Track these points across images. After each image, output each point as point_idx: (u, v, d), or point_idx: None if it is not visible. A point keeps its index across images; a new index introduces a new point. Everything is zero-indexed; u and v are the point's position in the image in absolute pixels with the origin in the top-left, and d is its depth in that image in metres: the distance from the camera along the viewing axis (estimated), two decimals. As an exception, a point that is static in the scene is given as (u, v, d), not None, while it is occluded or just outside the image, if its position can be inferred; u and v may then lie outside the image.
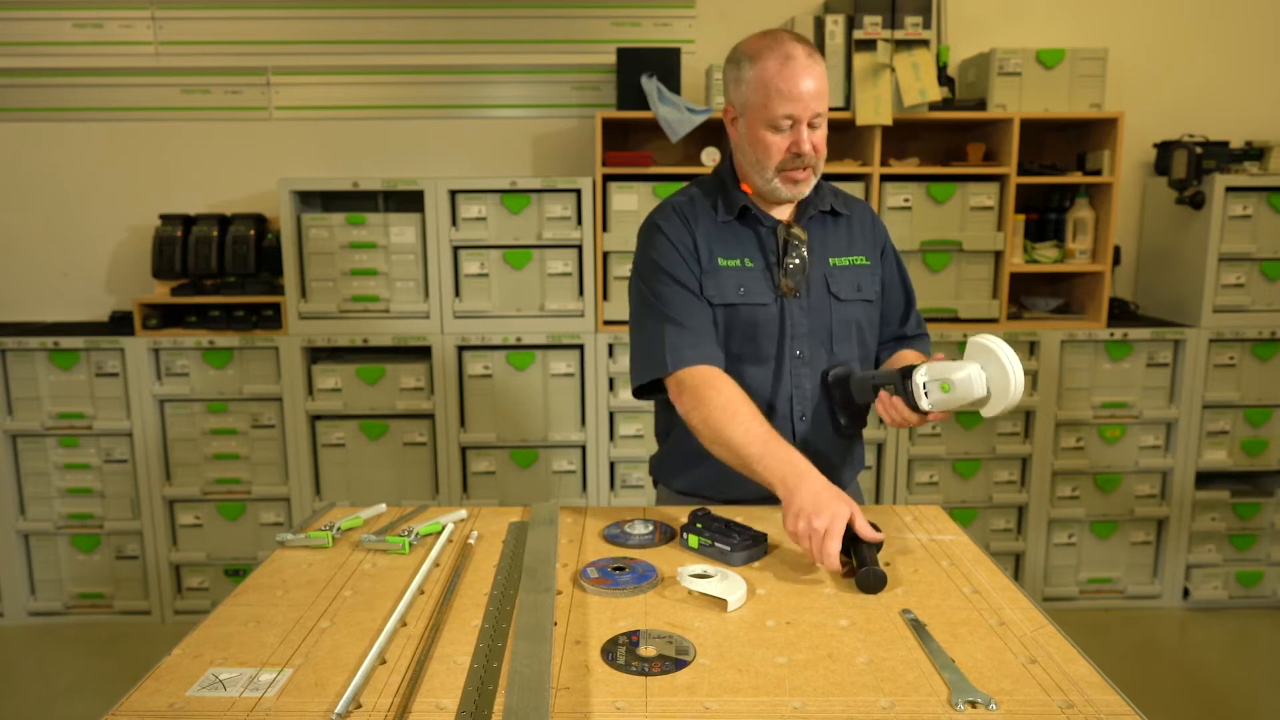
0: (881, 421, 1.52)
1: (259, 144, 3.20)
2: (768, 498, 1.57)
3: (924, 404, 1.37)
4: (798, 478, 1.32)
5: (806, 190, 1.52)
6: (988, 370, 1.33)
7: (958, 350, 2.99)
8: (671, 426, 1.65)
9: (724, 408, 1.41)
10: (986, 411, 1.35)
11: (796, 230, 1.53)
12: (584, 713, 0.92)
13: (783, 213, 1.56)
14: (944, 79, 2.99)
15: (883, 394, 1.44)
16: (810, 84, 1.42)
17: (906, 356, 1.61)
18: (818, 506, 1.26)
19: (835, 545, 1.23)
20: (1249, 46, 3.24)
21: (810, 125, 1.45)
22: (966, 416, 3.03)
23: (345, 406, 2.97)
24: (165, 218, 3.03)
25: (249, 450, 3.01)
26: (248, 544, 3.05)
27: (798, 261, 1.52)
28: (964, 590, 1.21)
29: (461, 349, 2.96)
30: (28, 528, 3.02)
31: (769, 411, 1.55)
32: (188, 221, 3.03)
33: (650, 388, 1.54)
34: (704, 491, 1.62)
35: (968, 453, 3.06)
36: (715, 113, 2.81)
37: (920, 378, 1.37)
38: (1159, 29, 3.22)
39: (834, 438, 1.60)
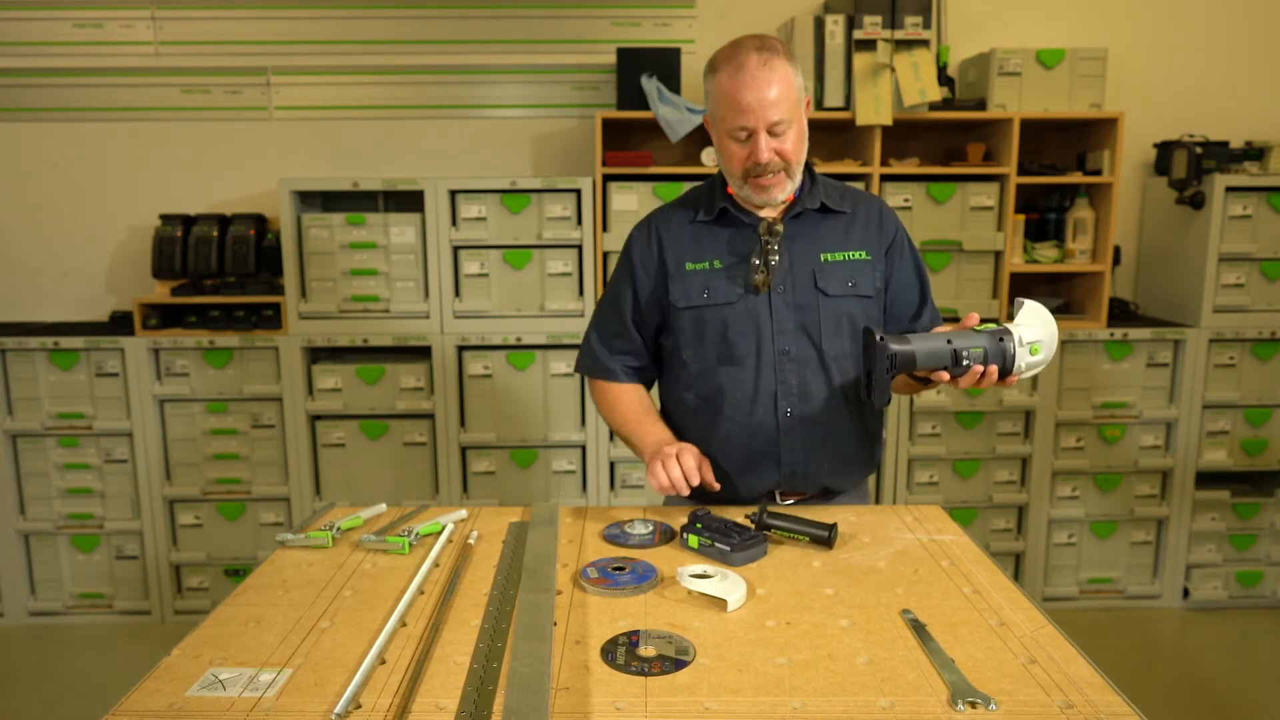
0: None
1: (259, 144, 3.20)
2: (762, 498, 1.58)
3: (1020, 367, 1.35)
4: (643, 439, 1.59)
5: (778, 195, 1.52)
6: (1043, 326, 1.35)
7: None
8: (668, 423, 1.67)
9: (613, 405, 1.68)
10: (1029, 374, 1.37)
11: (777, 227, 1.54)
12: (584, 713, 0.92)
13: (771, 210, 1.57)
14: (944, 79, 2.99)
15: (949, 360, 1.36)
16: (763, 94, 1.42)
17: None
18: (657, 447, 1.51)
19: (684, 462, 1.46)
20: (1249, 46, 3.24)
21: (771, 133, 1.45)
22: (967, 416, 3.03)
23: (345, 406, 2.97)
24: (165, 218, 3.03)
25: (249, 450, 3.01)
26: (248, 544, 3.05)
27: (775, 259, 1.53)
28: (964, 590, 1.21)
29: (461, 349, 2.96)
30: (28, 528, 3.02)
31: (751, 409, 1.55)
32: (188, 221, 3.03)
33: None
34: (698, 487, 1.63)
35: (968, 453, 3.06)
36: (715, 113, 2.82)
37: (1017, 338, 1.34)
38: (1159, 29, 3.22)
39: (827, 432, 1.58)
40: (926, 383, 1.48)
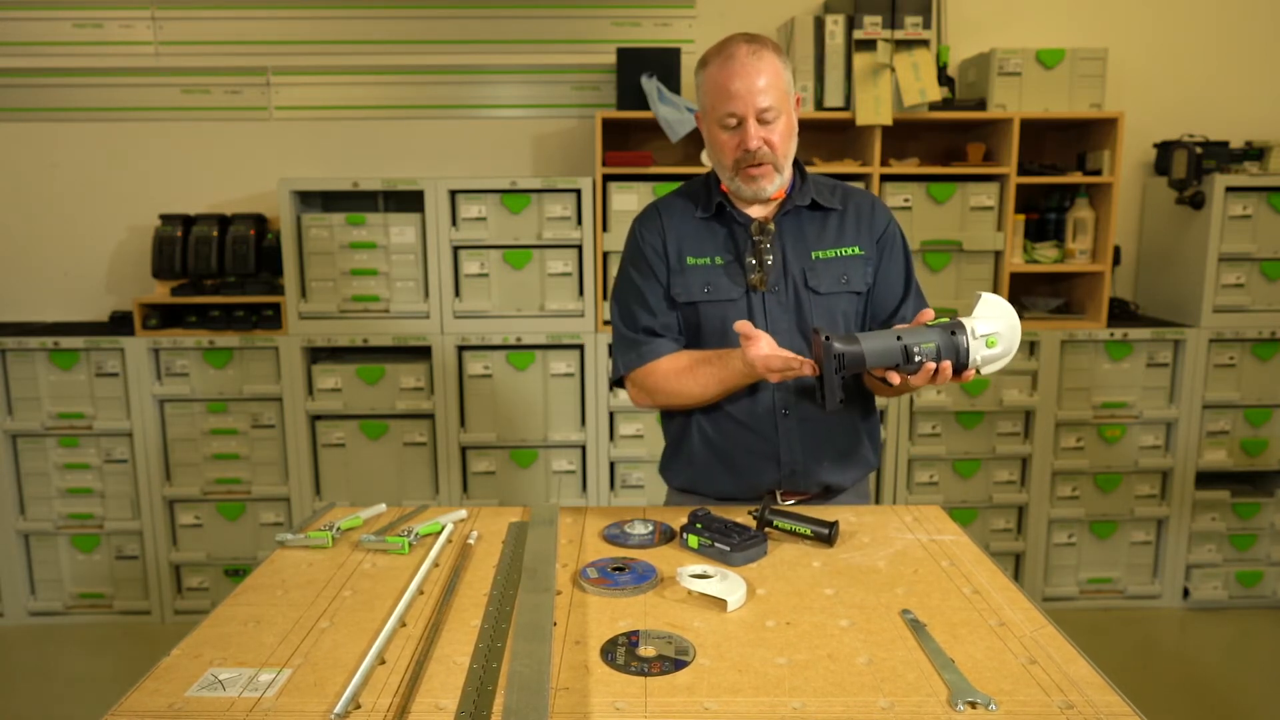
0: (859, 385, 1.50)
1: (259, 144, 3.20)
2: (764, 495, 1.58)
3: (976, 361, 1.31)
4: (740, 366, 1.43)
5: (768, 186, 1.51)
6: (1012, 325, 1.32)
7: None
8: (669, 421, 1.68)
9: (674, 374, 1.54)
10: (990, 366, 1.33)
11: (769, 225, 1.53)
12: (583, 713, 0.92)
13: (762, 209, 1.57)
14: (944, 79, 2.99)
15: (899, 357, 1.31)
16: (752, 81, 1.43)
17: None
18: (760, 358, 1.38)
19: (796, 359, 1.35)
20: (1249, 46, 3.24)
21: (761, 121, 1.46)
22: (967, 416, 3.03)
23: (345, 406, 2.97)
24: (165, 218, 3.03)
25: (249, 450, 3.01)
26: (248, 544, 3.05)
27: (770, 259, 1.52)
28: (964, 590, 1.21)
29: (461, 349, 2.96)
30: (28, 528, 3.02)
31: (750, 407, 1.56)
32: (188, 221, 3.03)
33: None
34: (699, 488, 1.63)
35: (968, 453, 3.06)
36: (715, 113, 2.82)
37: (970, 331, 1.30)
38: (1159, 29, 3.22)
39: (826, 430, 1.58)
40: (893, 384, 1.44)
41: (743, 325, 1.38)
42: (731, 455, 1.58)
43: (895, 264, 1.61)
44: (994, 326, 1.31)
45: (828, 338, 1.30)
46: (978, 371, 1.33)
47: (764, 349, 1.37)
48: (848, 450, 1.61)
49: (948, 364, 1.31)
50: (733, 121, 1.47)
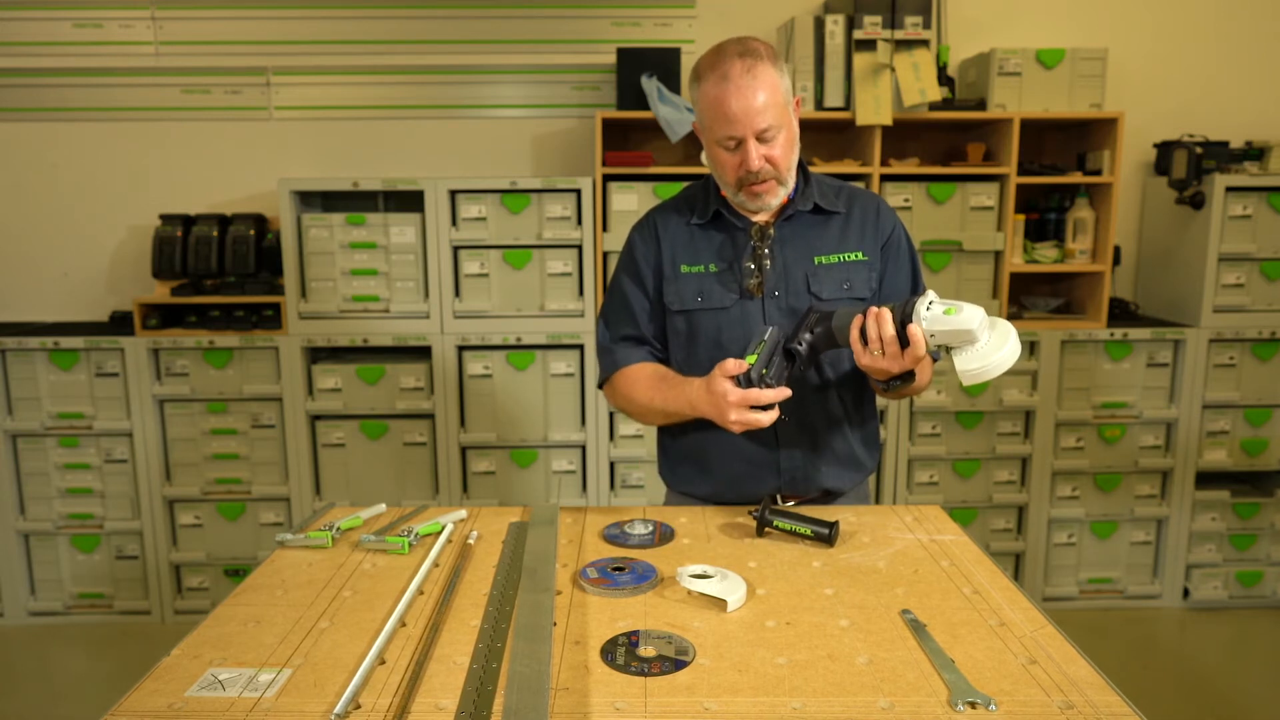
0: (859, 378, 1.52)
1: (259, 144, 3.20)
2: (764, 498, 1.57)
3: (923, 313, 1.29)
4: (692, 394, 1.45)
5: (772, 200, 1.50)
6: (994, 328, 1.30)
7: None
8: (667, 426, 1.67)
9: (632, 383, 1.57)
10: (966, 363, 1.30)
11: (769, 231, 1.52)
12: (583, 713, 0.92)
13: (764, 214, 1.55)
14: (944, 79, 2.99)
15: (862, 320, 1.34)
16: (749, 102, 1.39)
17: None
18: (711, 400, 1.38)
19: (752, 400, 1.34)
20: (1249, 46, 3.24)
21: (761, 140, 1.43)
22: (967, 416, 3.03)
23: (345, 406, 2.97)
24: (165, 218, 3.03)
25: (249, 450, 3.01)
26: (248, 544, 3.05)
27: (767, 263, 1.51)
28: (964, 590, 1.21)
29: (461, 349, 2.96)
30: (28, 528, 3.02)
31: None
32: (188, 221, 3.03)
33: None
34: (698, 492, 1.62)
35: (968, 453, 3.06)
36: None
37: (927, 297, 1.31)
38: (1159, 29, 3.22)
39: (826, 437, 1.57)
40: (889, 386, 1.42)
41: (728, 363, 1.36)
42: (732, 464, 1.57)
43: (901, 270, 1.59)
44: (963, 306, 1.29)
45: (808, 313, 1.41)
46: (934, 344, 1.31)
47: (748, 422, 1.35)
48: (847, 457, 1.60)
49: (886, 310, 1.32)
50: (732, 143, 1.44)
